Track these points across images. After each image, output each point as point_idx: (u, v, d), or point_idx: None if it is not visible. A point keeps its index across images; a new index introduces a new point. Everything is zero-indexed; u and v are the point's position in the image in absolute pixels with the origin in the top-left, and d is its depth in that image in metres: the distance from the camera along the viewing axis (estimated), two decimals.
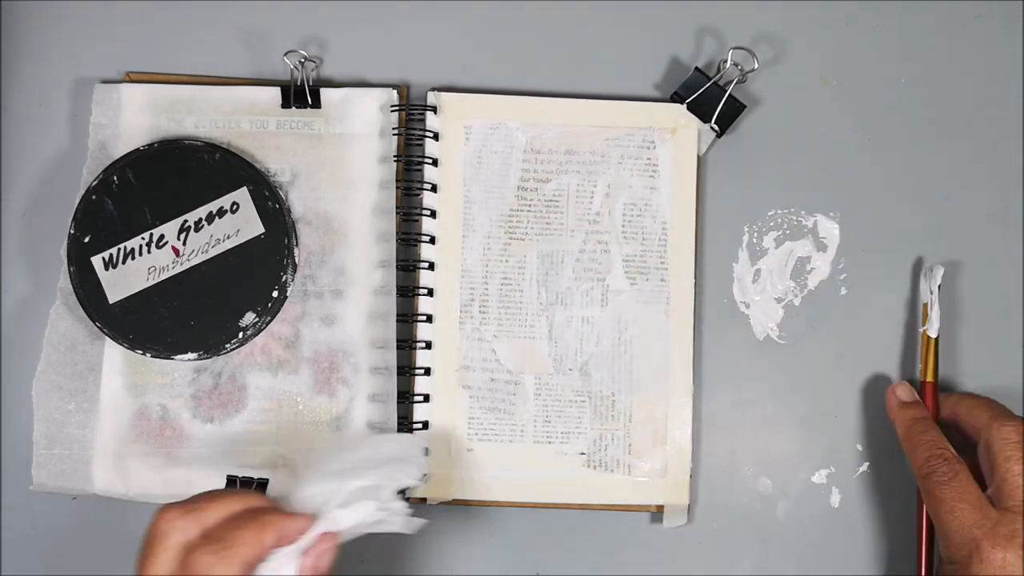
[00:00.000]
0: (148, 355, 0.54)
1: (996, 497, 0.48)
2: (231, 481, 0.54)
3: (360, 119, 0.55)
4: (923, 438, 0.51)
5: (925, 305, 0.55)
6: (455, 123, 0.56)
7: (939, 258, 0.56)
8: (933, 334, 0.54)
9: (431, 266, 0.55)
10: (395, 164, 0.55)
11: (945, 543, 0.49)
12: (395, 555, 0.55)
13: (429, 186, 0.55)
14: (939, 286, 0.54)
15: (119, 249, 0.53)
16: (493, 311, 0.55)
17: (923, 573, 0.53)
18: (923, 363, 0.54)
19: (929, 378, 0.54)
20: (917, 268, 0.56)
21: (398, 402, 0.54)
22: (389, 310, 0.54)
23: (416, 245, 0.55)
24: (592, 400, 0.55)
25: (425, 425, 0.55)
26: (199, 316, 0.53)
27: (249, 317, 0.54)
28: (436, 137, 0.56)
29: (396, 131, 0.55)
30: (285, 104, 0.55)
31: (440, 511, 0.55)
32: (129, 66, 0.57)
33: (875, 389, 0.56)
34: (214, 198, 0.54)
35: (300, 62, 0.55)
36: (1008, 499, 0.47)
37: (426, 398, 0.55)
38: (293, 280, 0.54)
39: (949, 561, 0.48)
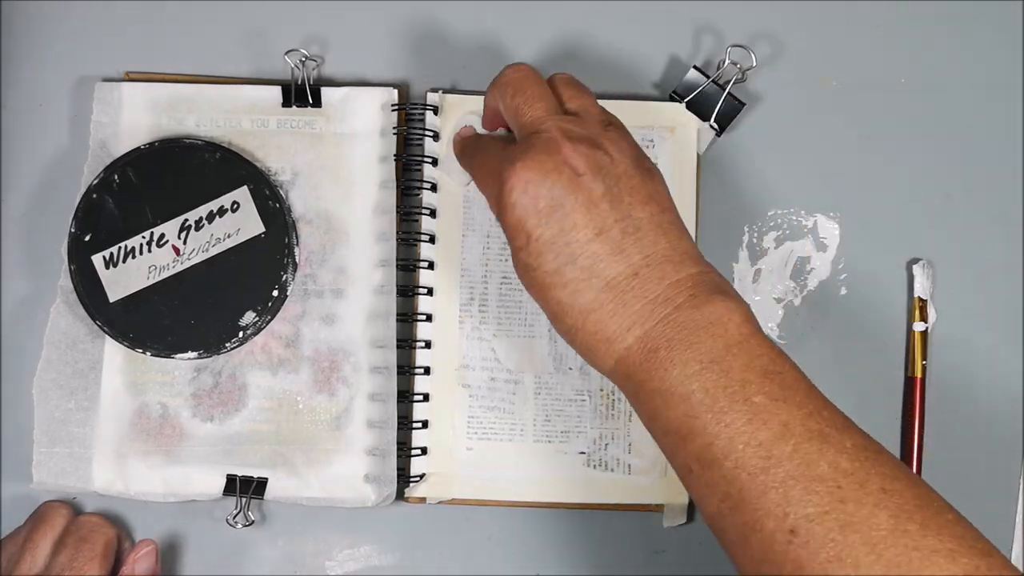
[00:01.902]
0: (148, 354, 0.54)
1: (518, 136, 0.44)
2: (231, 480, 0.54)
3: (361, 118, 0.55)
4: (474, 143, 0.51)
5: (916, 300, 0.55)
6: (455, 122, 0.56)
7: (939, 258, 0.56)
8: (919, 328, 0.55)
9: (431, 265, 0.55)
10: (395, 163, 0.55)
11: (494, 206, 0.43)
12: (394, 555, 0.55)
13: (429, 185, 0.55)
14: (930, 281, 0.55)
15: (119, 248, 0.53)
16: (493, 310, 0.55)
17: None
18: (911, 358, 0.55)
19: (917, 373, 0.55)
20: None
21: (398, 401, 0.54)
22: (389, 309, 0.54)
23: (416, 244, 0.55)
24: (592, 399, 0.55)
25: (425, 424, 0.54)
26: (199, 315, 0.53)
27: (249, 316, 0.54)
28: (436, 137, 0.56)
29: (396, 130, 0.55)
30: (286, 103, 0.55)
31: (440, 511, 0.55)
32: (129, 65, 0.57)
33: (875, 389, 0.56)
34: (214, 197, 0.54)
35: (301, 61, 0.55)
36: (522, 130, 0.43)
37: (426, 397, 0.55)
38: (293, 279, 0.54)
39: (511, 241, 0.43)
